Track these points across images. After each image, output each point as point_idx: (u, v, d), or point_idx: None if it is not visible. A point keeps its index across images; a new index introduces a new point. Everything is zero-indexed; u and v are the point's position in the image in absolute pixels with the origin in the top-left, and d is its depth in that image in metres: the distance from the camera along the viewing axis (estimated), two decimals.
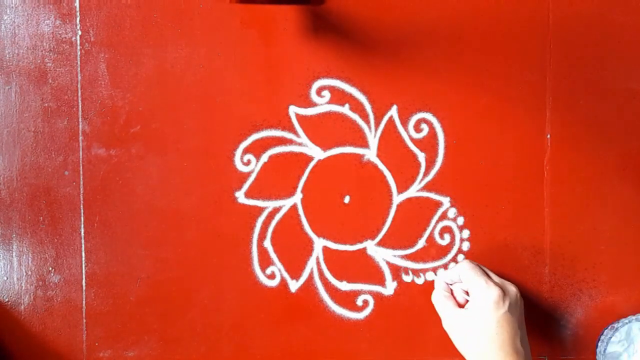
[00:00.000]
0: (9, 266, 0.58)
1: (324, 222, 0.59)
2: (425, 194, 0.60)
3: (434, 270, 0.61)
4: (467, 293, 0.55)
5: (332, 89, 0.58)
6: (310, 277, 0.59)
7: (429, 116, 0.59)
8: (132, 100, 0.57)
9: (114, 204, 0.58)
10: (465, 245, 0.61)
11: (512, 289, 0.54)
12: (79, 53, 0.57)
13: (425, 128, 0.60)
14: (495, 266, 0.60)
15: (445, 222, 0.60)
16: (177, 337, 0.59)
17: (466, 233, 0.61)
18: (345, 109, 0.59)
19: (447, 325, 0.55)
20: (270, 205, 0.59)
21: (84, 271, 0.58)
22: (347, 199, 0.60)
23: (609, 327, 0.61)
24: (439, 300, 0.56)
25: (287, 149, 0.59)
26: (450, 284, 0.57)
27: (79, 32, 0.57)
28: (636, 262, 0.62)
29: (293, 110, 0.58)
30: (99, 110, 0.57)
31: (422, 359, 0.61)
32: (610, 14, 0.60)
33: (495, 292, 0.52)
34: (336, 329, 0.60)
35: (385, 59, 0.58)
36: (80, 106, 0.57)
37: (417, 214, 0.60)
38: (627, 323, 0.60)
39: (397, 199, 0.60)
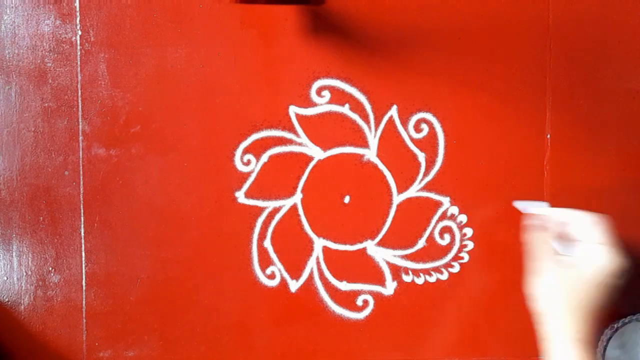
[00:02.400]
0: (9, 266, 0.58)
1: (324, 222, 0.59)
2: (425, 193, 0.60)
3: (434, 270, 0.61)
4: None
5: (332, 89, 0.58)
6: (310, 277, 0.59)
7: (429, 116, 0.59)
8: (132, 100, 0.57)
9: (114, 204, 0.58)
10: (466, 245, 0.61)
11: (619, 259, 0.49)
12: (79, 53, 0.57)
13: (425, 128, 0.60)
14: (495, 266, 0.60)
15: (445, 222, 0.60)
16: (177, 337, 0.59)
17: (467, 232, 0.61)
18: (345, 109, 0.59)
19: (546, 279, 0.50)
20: (270, 205, 0.59)
21: (84, 271, 0.58)
22: (347, 199, 0.60)
23: (609, 327, 0.61)
24: (543, 242, 0.50)
25: (287, 149, 0.59)
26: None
27: (79, 32, 0.57)
28: (636, 262, 0.62)
29: (293, 110, 0.58)
30: (99, 110, 0.57)
31: (422, 359, 0.61)
32: (610, 14, 0.60)
33: (611, 260, 0.48)
34: (336, 329, 0.60)
35: (385, 59, 0.58)
36: (80, 106, 0.57)
37: (417, 214, 0.60)
38: (626, 323, 0.60)
39: (397, 199, 0.60)
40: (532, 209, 0.51)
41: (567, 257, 0.49)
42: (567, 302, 0.49)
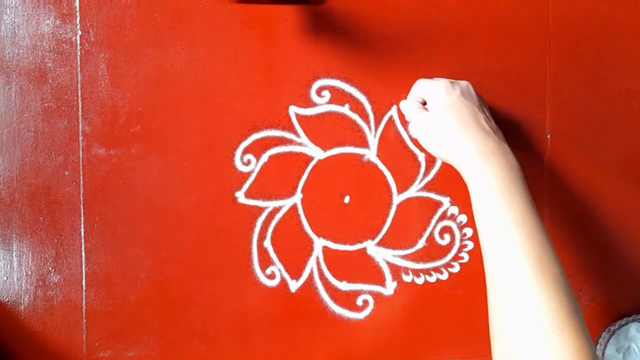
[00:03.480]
0: (9, 266, 0.58)
1: (324, 222, 0.59)
2: (425, 193, 0.60)
3: (434, 270, 0.61)
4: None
5: (332, 89, 0.58)
6: (310, 277, 0.59)
7: None
8: (132, 100, 0.57)
9: (114, 204, 0.58)
10: (466, 245, 0.61)
11: (461, 81, 0.55)
12: (79, 53, 0.57)
13: None
14: None
15: (445, 222, 0.60)
16: (177, 337, 0.59)
17: (467, 232, 0.61)
18: (345, 109, 0.59)
19: (413, 128, 0.56)
20: (270, 205, 0.59)
21: (84, 271, 0.58)
22: (347, 199, 0.60)
23: (606, 330, 0.61)
24: (406, 105, 0.57)
25: (287, 149, 0.59)
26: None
27: (79, 32, 0.57)
28: (637, 262, 0.62)
29: (293, 110, 0.58)
30: (99, 110, 0.57)
31: (422, 359, 0.61)
32: (610, 14, 0.60)
33: (442, 81, 0.54)
34: (336, 329, 0.60)
35: (385, 59, 0.58)
36: (80, 106, 0.57)
37: (417, 214, 0.60)
38: (623, 325, 0.60)
39: (397, 199, 0.60)
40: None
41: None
42: (447, 132, 0.52)
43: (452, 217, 0.60)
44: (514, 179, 0.48)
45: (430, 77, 0.58)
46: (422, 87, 0.55)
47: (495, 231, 0.46)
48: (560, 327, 0.41)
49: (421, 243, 0.60)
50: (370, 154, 0.59)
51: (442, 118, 0.52)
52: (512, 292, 0.43)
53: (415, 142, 0.59)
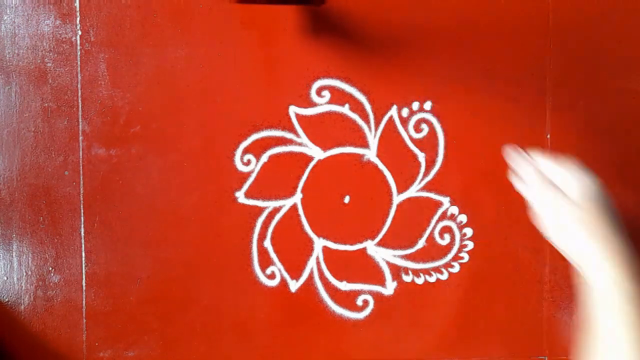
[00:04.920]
0: (9, 266, 0.58)
1: (324, 222, 0.59)
2: (425, 193, 0.60)
3: (434, 270, 0.61)
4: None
5: (332, 89, 0.58)
6: (310, 277, 0.59)
7: (429, 116, 0.59)
8: (132, 100, 0.57)
9: (114, 204, 0.58)
10: (466, 245, 0.61)
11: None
12: (79, 53, 0.57)
13: (425, 128, 0.60)
14: (495, 265, 0.60)
15: (445, 222, 0.60)
16: (177, 337, 0.59)
17: (467, 232, 0.61)
18: (345, 109, 0.59)
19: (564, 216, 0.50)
20: (270, 205, 0.59)
21: (84, 271, 0.58)
22: (347, 199, 0.60)
23: None
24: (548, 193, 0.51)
25: (287, 149, 0.59)
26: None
27: (79, 32, 0.57)
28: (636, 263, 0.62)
29: (293, 110, 0.58)
30: (99, 110, 0.57)
31: (422, 359, 0.61)
32: (610, 14, 0.60)
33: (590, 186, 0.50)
34: (336, 329, 0.60)
35: (385, 59, 0.58)
36: (80, 106, 0.57)
37: (417, 214, 0.60)
38: None
39: (397, 199, 0.60)
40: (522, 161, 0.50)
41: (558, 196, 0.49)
42: (579, 229, 0.49)
43: (452, 217, 0.60)
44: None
45: (430, 77, 0.58)
46: (575, 179, 0.51)
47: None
48: None
49: (421, 243, 0.60)
50: (370, 154, 0.59)
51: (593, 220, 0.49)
52: None
53: (415, 142, 0.59)
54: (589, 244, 0.50)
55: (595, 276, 0.49)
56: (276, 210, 0.59)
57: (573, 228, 0.49)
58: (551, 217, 0.50)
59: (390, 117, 0.59)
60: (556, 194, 0.50)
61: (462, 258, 0.61)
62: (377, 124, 0.59)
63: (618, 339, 0.47)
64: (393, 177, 0.60)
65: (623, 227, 0.52)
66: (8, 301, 0.58)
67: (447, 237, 0.60)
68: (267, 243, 0.59)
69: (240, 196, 0.59)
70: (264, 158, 0.58)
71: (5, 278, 0.58)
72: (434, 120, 0.59)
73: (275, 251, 0.59)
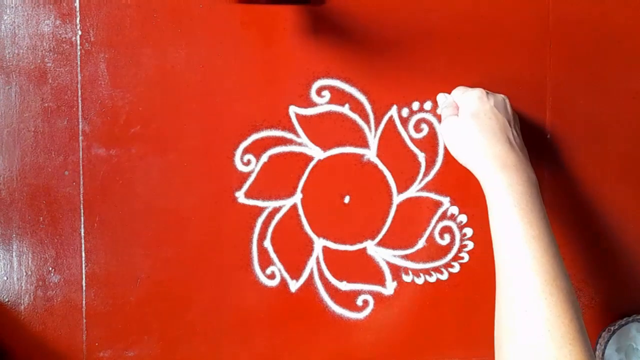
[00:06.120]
0: (9, 266, 0.58)
1: (324, 222, 0.59)
2: (425, 193, 0.60)
3: (434, 270, 0.61)
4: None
5: (332, 89, 0.58)
6: (310, 277, 0.59)
7: (429, 116, 0.59)
8: (132, 100, 0.57)
9: (114, 204, 0.58)
10: (466, 245, 0.61)
11: (498, 94, 0.55)
12: (79, 53, 0.57)
13: (425, 128, 0.60)
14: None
15: (445, 222, 0.60)
16: (177, 337, 0.59)
17: (467, 232, 0.61)
18: (345, 109, 0.59)
19: (441, 128, 0.56)
20: (270, 205, 0.59)
21: (84, 271, 0.58)
22: (347, 199, 0.60)
23: (606, 330, 0.61)
24: (440, 102, 0.58)
25: (287, 149, 0.59)
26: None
27: (79, 32, 0.57)
28: (636, 263, 0.62)
29: (293, 110, 0.58)
30: (99, 110, 0.57)
31: (422, 359, 0.61)
32: (610, 14, 0.60)
33: (477, 90, 0.54)
34: (336, 329, 0.60)
35: (385, 59, 0.58)
36: (80, 106, 0.57)
37: (417, 214, 0.60)
38: (623, 325, 0.60)
39: (397, 199, 0.60)
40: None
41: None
42: (474, 141, 0.52)
43: (452, 217, 0.60)
44: (532, 194, 0.48)
45: (430, 77, 0.58)
46: (458, 93, 0.56)
47: (510, 243, 0.47)
48: (571, 342, 0.41)
49: (421, 243, 0.60)
50: (370, 154, 0.59)
51: (468, 124, 0.52)
52: (524, 305, 0.44)
53: (415, 142, 0.59)
54: (478, 152, 0.51)
55: (487, 181, 0.50)
56: (276, 210, 0.59)
57: (462, 138, 0.53)
58: (448, 129, 0.54)
59: (390, 117, 0.59)
60: (450, 108, 0.55)
61: (462, 258, 0.61)
62: (377, 124, 0.59)
63: (510, 239, 0.47)
64: (393, 177, 0.60)
65: (521, 139, 0.54)
66: (8, 301, 0.58)
67: (447, 237, 0.60)
68: (267, 243, 0.59)
69: (240, 196, 0.59)
70: (264, 158, 0.58)
71: (5, 278, 0.58)
72: (434, 120, 0.59)
73: (275, 251, 0.59)
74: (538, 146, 0.60)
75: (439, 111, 0.58)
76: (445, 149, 0.59)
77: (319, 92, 0.58)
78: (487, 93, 0.54)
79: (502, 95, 0.55)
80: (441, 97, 0.58)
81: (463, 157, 0.53)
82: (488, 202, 0.50)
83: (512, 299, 0.45)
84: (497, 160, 0.50)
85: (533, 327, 0.43)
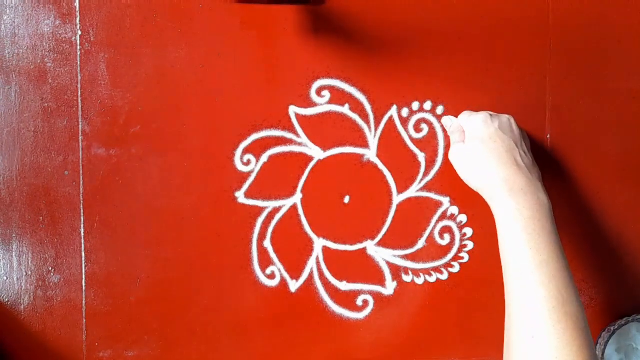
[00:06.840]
0: (9, 266, 0.58)
1: (324, 222, 0.59)
2: (425, 193, 0.60)
3: (434, 270, 0.61)
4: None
5: (332, 89, 0.58)
6: (310, 277, 0.59)
7: (429, 116, 0.59)
8: (132, 100, 0.57)
9: (114, 204, 0.58)
10: (466, 245, 0.61)
11: (503, 115, 0.55)
12: (79, 53, 0.57)
13: (425, 128, 0.60)
14: (495, 265, 0.60)
15: (445, 222, 0.60)
16: (177, 337, 0.59)
17: (467, 232, 0.61)
18: (345, 109, 0.59)
19: (450, 154, 0.56)
20: (270, 205, 0.59)
21: (84, 271, 0.58)
22: (347, 199, 0.60)
23: (606, 330, 0.61)
24: (448, 127, 0.58)
25: (287, 149, 0.59)
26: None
27: (79, 32, 0.57)
28: (636, 263, 0.62)
29: (293, 110, 0.58)
30: (99, 110, 0.57)
31: (422, 359, 0.61)
32: (610, 14, 0.60)
33: (481, 114, 0.54)
34: (336, 329, 0.60)
35: (385, 59, 0.58)
36: (80, 106, 0.57)
37: (417, 214, 0.60)
38: (623, 325, 0.60)
39: (397, 199, 0.60)
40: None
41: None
42: (481, 164, 0.52)
43: (452, 217, 0.60)
44: (541, 217, 0.48)
45: (430, 77, 0.58)
46: (464, 118, 0.56)
47: (518, 268, 0.47)
48: None
49: (421, 243, 0.60)
50: (370, 154, 0.59)
51: (475, 150, 0.52)
52: (532, 331, 0.44)
53: (415, 142, 0.59)
54: (486, 177, 0.52)
55: (495, 206, 0.50)
56: (276, 210, 0.59)
57: (469, 161, 0.53)
58: (456, 155, 0.55)
59: (390, 117, 0.59)
60: (457, 134, 0.56)
61: (462, 258, 0.61)
62: (377, 124, 0.59)
63: (518, 264, 0.47)
64: (393, 177, 0.60)
65: (532, 159, 0.54)
66: (8, 301, 0.58)
67: (447, 237, 0.60)
68: (267, 243, 0.59)
69: (240, 196, 0.59)
70: (264, 158, 0.58)
71: (5, 278, 0.58)
72: (434, 120, 0.59)
73: (275, 251, 0.59)
74: (538, 146, 0.60)
75: (450, 136, 0.58)
76: (446, 148, 0.60)
77: (319, 92, 0.58)
78: (492, 115, 0.54)
79: (507, 116, 0.55)
80: (447, 121, 0.58)
81: (472, 183, 0.53)
82: (497, 226, 0.50)
83: (521, 323, 0.45)
84: (505, 184, 0.50)
85: (541, 354, 0.43)
